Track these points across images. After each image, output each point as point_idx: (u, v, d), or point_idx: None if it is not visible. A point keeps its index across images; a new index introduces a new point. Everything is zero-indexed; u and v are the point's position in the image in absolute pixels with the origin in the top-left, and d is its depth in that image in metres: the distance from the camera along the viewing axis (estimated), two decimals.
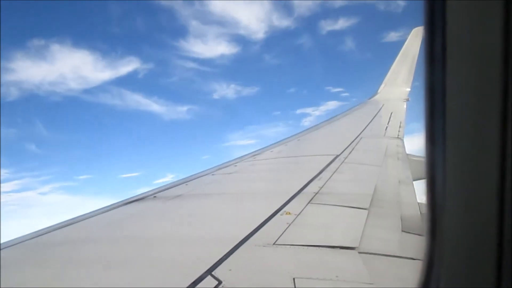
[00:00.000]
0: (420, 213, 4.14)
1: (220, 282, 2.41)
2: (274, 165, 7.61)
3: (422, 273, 1.10)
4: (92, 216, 4.67)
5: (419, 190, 5.10)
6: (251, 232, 3.32)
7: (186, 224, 4.00)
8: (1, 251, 3.48)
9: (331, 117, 14.73)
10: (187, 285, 2.38)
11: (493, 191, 0.92)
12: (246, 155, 9.31)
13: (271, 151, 9.27)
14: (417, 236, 3.35)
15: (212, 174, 7.07)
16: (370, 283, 2.44)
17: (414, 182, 5.74)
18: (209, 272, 2.54)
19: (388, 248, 3.11)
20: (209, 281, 2.43)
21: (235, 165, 7.70)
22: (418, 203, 4.50)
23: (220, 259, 2.74)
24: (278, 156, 8.53)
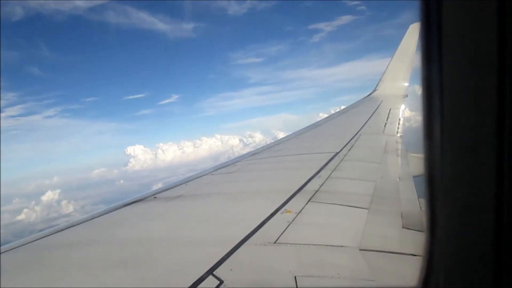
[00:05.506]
0: (420, 209, 4.15)
1: (221, 282, 2.41)
2: (274, 163, 7.61)
3: (421, 272, 1.10)
4: (93, 218, 4.68)
5: (419, 186, 5.11)
6: (252, 231, 3.32)
7: (186, 225, 4.01)
8: (2, 254, 3.48)
9: (330, 115, 14.75)
10: (188, 285, 2.38)
11: (491, 188, 0.92)
12: (245, 154, 9.31)
13: (270, 150, 9.28)
14: (417, 232, 3.36)
15: (212, 174, 7.08)
16: (371, 280, 2.45)
17: (414, 178, 5.75)
18: (210, 272, 2.55)
19: (389, 245, 3.12)
20: (210, 281, 2.43)
21: (235, 165, 7.71)
22: (418, 199, 4.51)
23: (221, 259, 2.74)
24: (278, 154, 8.53)
